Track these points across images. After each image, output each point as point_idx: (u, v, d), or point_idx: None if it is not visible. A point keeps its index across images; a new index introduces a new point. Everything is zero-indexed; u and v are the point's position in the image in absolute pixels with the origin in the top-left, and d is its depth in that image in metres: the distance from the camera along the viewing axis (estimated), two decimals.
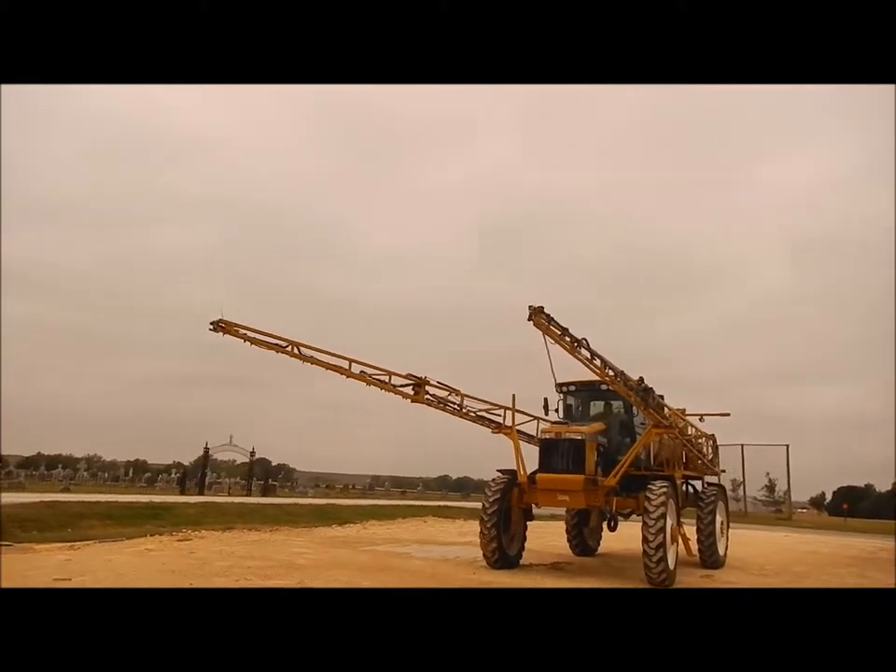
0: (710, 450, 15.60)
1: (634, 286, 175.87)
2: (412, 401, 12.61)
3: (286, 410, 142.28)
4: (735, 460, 38.40)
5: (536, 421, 13.58)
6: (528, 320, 9.17)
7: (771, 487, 47.25)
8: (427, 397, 12.64)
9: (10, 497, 19.41)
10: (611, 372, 10.11)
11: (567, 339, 9.54)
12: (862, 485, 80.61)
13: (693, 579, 11.55)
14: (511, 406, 13.23)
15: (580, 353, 9.68)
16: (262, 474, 51.89)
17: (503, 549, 11.76)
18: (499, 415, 13.31)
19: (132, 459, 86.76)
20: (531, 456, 12.31)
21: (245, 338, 11.81)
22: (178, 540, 13.66)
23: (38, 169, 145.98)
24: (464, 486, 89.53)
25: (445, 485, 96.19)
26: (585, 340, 9.66)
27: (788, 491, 41.68)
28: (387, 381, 12.40)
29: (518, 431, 13.32)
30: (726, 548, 14.28)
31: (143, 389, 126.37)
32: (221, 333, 11.71)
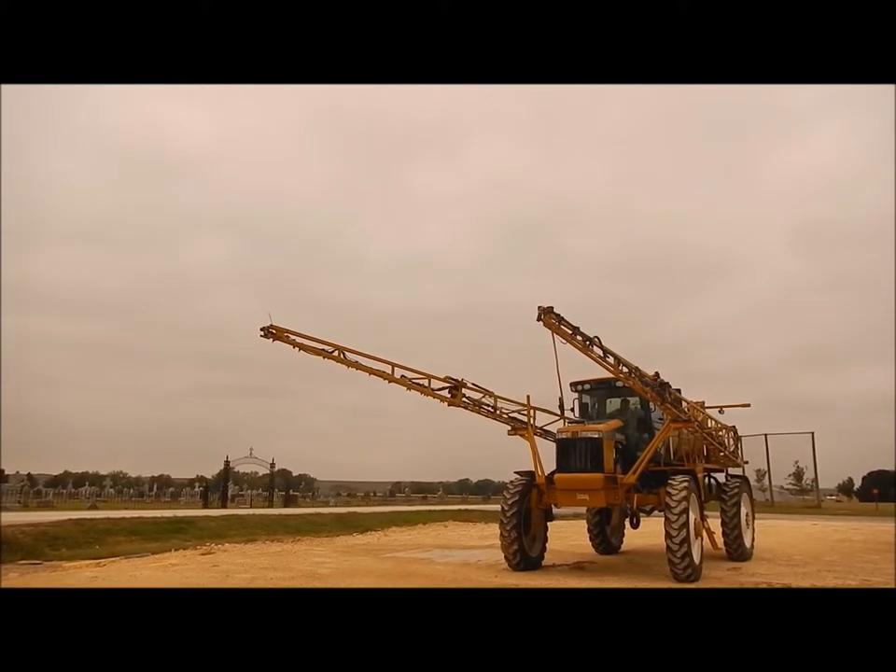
0: (732, 442, 15.43)
1: (647, 280, 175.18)
2: (448, 405, 12.63)
3: (305, 419, 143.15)
4: (760, 450, 38.15)
5: (563, 421, 13.49)
6: (538, 320, 9.09)
7: (798, 476, 46.73)
8: (464, 400, 12.66)
9: (40, 516, 19.67)
10: (625, 369, 9.99)
11: (579, 338, 9.44)
12: (893, 469, 79.46)
13: (720, 572, 11.39)
14: (533, 407, 13.26)
15: (592, 351, 9.58)
16: (284, 485, 52.12)
17: (524, 551, 11.69)
18: (529, 415, 13.37)
19: (156, 475, 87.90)
20: (549, 457, 12.24)
21: (294, 343, 11.89)
22: (202, 554, 13.73)
23: (63, 193, 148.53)
24: (485, 489, 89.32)
25: (466, 489, 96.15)
26: (597, 338, 9.56)
27: (815, 479, 41.20)
28: (427, 385, 12.43)
29: (544, 431, 13.27)
30: (753, 539, 14.12)
31: (165, 404, 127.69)
32: (271, 339, 11.78)
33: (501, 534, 11.73)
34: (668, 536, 10.23)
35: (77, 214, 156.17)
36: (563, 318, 9.26)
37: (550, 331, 9.37)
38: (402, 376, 12.30)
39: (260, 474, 67.62)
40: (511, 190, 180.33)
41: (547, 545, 12.62)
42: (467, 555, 14.22)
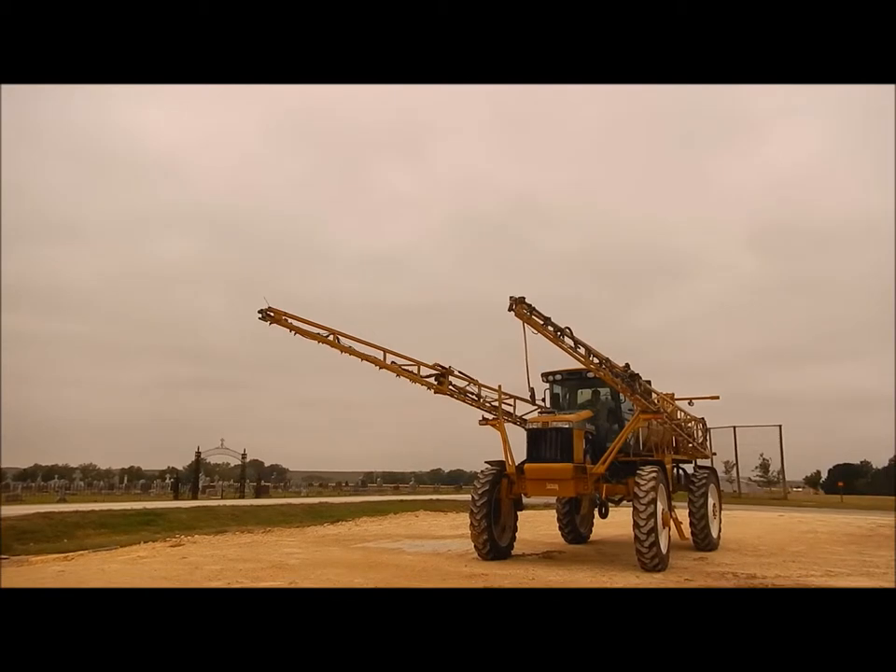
0: (700, 433, 15.62)
1: (617, 277, 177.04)
2: (434, 392, 12.69)
3: (277, 411, 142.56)
4: (729, 443, 38.71)
5: (539, 410, 13.61)
6: (509, 310, 9.09)
7: (765, 467, 47.40)
8: (450, 387, 12.74)
9: (8, 510, 19.28)
10: (596, 360, 10.06)
11: (550, 328, 9.48)
12: (858, 462, 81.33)
13: (686, 562, 11.55)
14: (512, 396, 13.43)
15: (563, 342, 9.63)
16: (255, 476, 51.75)
17: (494, 540, 11.75)
18: (510, 405, 13.61)
19: (126, 467, 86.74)
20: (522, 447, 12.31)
21: (291, 327, 11.80)
22: (170, 546, 13.59)
23: (32, 188, 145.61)
24: (457, 479, 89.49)
25: (438, 479, 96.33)
26: (569, 328, 9.60)
27: (782, 470, 41.85)
28: (416, 372, 12.46)
29: (523, 420, 13.35)
30: (720, 530, 14.31)
31: (136, 397, 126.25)
32: (269, 322, 11.67)
33: (471, 524, 11.78)
34: (636, 525, 10.34)
35: (45, 209, 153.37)
36: (534, 309, 9.27)
37: (521, 322, 9.40)
38: (392, 362, 12.32)
39: (232, 465, 67.08)
40: (479, 189, 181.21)
41: (517, 535, 12.72)
42: (437, 545, 14.25)
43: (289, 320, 11.72)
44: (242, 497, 39.25)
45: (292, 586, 8.83)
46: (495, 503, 11.89)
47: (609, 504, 13.00)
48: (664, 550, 10.59)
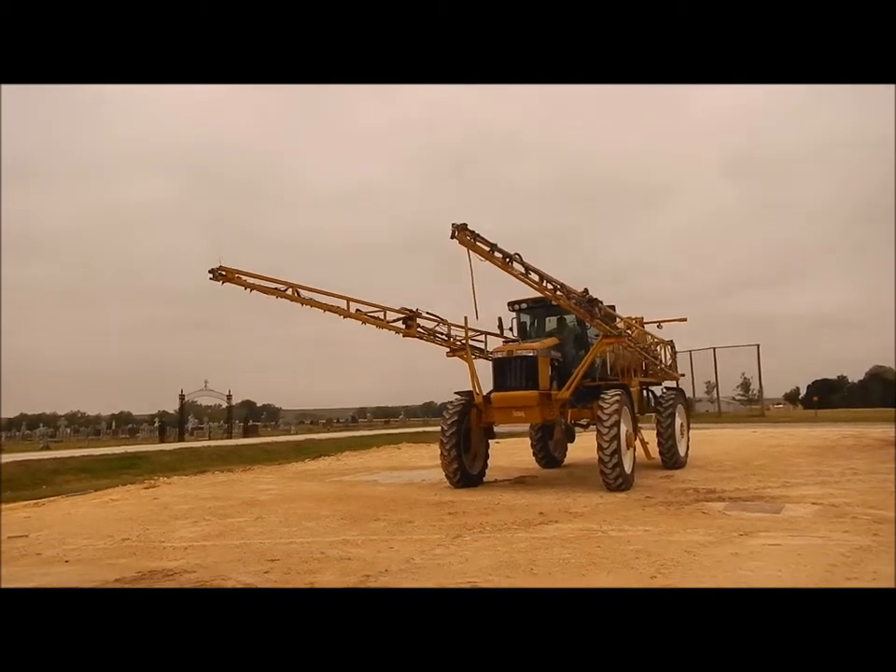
0: (669, 356, 15.73)
1: (593, 207, 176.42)
2: (403, 336, 12.68)
3: (270, 351, 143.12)
4: (709, 364, 39.34)
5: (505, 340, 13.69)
6: (452, 238, 8.87)
7: (745, 386, 48.27)
8: (419, 329, 12.72)
9: None
10: (550, 286, 9.93)
11: (498, 255, 9.28)
12: (836, 378, 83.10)
13: (652, 480, 11.79)
14: (478, 330, 13.50)
15: (513, 268, 9.43)
16: (246, 416, 52.18)
17: (465, 468, 11.94)
18: (481, 340, 13.75)
19: (116, 412, 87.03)
20: None
21: (246, 284, 11.54)
22: (144, 488, 13.68)
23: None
24: None
25: (430, 412, 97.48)
26: (518, 254, 9.38)
27: (760, 388, 42.68)
28: (382, 318, 12.40)
29: (490, 353, 13.43)
30: (687, 448, 14.58)
31: (122, 342, 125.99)
32: (221, 282, 11.41)
33: (441, 453, 11.97)
34: (600, 448, 10.50)
35: (10, 153, 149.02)
36: (478, 235, 9.03)
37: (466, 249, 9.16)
38: (357, 310, 12.22)
39: (223, 406, 67.50)
40: (450, 122, 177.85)
41: (491, 462, 12.93)
42: (413, 476, 14.48)
43: (243, 278, 11.49)
44: (230, 437, 39.65)
45: (259, 519, 8.96)
46: (465, 432, 12.03)
47: (579, 428, 13.18)
48: (627, 470, 10.79)
